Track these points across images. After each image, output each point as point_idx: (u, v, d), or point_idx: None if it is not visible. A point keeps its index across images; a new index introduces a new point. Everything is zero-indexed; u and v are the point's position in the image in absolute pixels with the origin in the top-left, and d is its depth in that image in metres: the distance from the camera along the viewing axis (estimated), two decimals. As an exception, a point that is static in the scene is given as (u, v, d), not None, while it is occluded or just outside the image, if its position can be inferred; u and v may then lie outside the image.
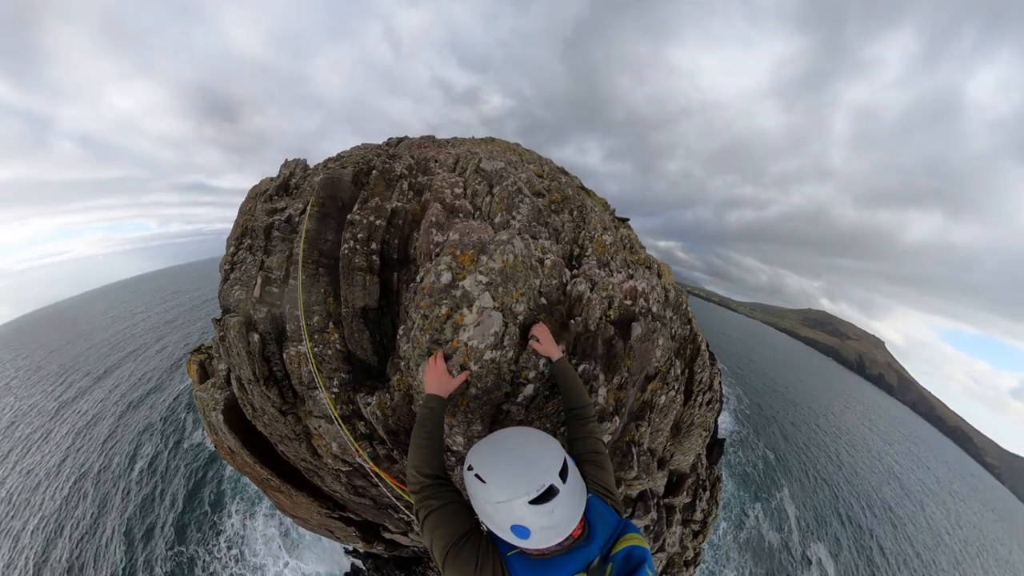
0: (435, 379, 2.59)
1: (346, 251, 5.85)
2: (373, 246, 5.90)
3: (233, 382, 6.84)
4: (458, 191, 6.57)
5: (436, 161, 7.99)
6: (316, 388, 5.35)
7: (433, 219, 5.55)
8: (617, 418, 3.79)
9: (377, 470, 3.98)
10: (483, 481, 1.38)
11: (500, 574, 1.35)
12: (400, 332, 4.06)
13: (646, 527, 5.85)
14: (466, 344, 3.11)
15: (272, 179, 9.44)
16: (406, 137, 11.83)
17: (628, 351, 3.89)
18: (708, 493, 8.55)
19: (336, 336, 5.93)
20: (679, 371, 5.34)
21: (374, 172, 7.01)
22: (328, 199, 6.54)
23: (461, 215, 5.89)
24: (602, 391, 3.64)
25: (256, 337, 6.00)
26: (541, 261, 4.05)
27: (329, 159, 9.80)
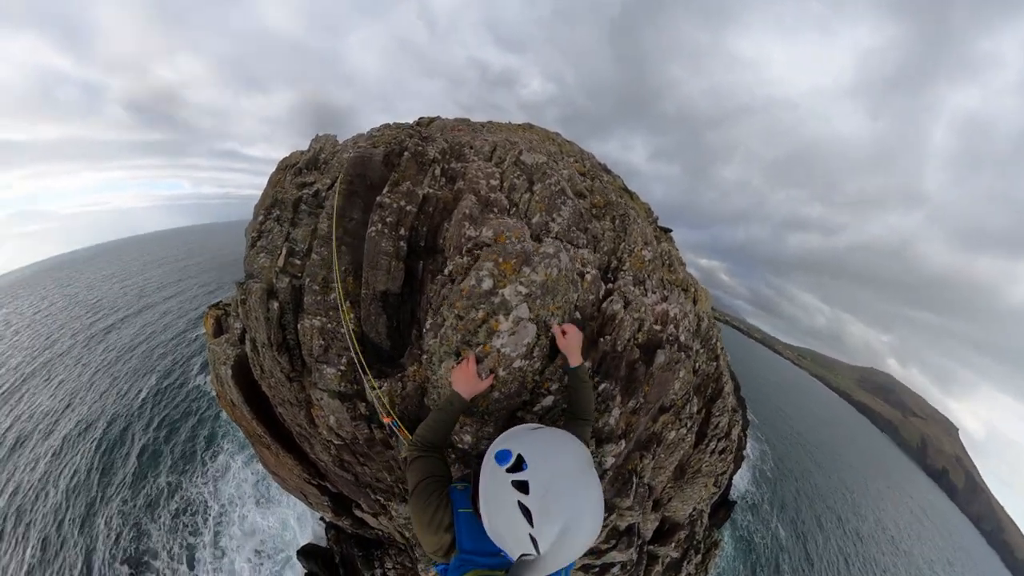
0: (464, 380, 2.60)
1: (373, 233, 5.68)
2: (402, 231, 5.72)
3: (247, 342, 6.95)
4: (494, 183, 6.28)
5: (471, 147, 7.67)
6: (325, 363, 5.38)
7: (467, 211, 5.31)
8: (624, 442, 3.71)
9: (400, 425, 3.90)
10: (527, 516, 1.20)
11: (448, 526, 1.48)
12: (427, 326, 3.92)
13: (623, 564, 5.58)
14: (498, 351, 3.12)
15: (302, 152, 9.34)
16: (438, 117, 11.45)
17: (648, 378, 3.81)
18: (700, 557, 7.77)
19: (351, 316, 5.88)
20: (695, 409, 5.12)
21: (406, 154, 6.77)
22: (357, 178, 6.36)
23: (496, 210, 5.61)
24: (615, 412, 3.59)
25: (276, 305, 6.13)
26: (582, 275, 3.95)
27: (359, 136, 9.57)
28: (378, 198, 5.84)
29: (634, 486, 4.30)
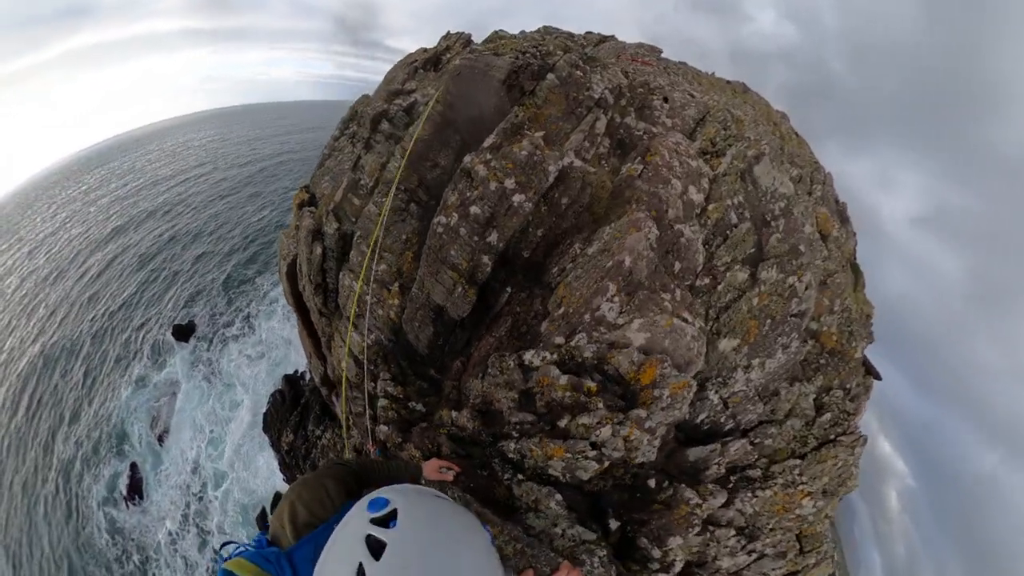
0: (433, 467, 2.31)
1: (440, 229, 3.20)
2: (493, 239, 3.07)
3: (298, 258, 6.74)
4: (694, 197, 3.09)
5: (664, 98, 4.21)
6: (353, 329, 4.84)
7: (624, 262, 2.45)
8: None
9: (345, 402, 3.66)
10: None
11: (310, 523, 1.21)
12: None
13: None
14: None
15: (426, 50, 7.83)
16: (612, 38, 7.63)
17: None
18: None
19: (395, 303, 4.62)
20: None
21: (550, 78, 3.81)
22: (459, 99, 3.75)
23: (677, 270, 2.66)
24: None
25: (319, 250, 5.57)
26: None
27: (497, 33, 6.67)
28: (467, 159, 3.19)
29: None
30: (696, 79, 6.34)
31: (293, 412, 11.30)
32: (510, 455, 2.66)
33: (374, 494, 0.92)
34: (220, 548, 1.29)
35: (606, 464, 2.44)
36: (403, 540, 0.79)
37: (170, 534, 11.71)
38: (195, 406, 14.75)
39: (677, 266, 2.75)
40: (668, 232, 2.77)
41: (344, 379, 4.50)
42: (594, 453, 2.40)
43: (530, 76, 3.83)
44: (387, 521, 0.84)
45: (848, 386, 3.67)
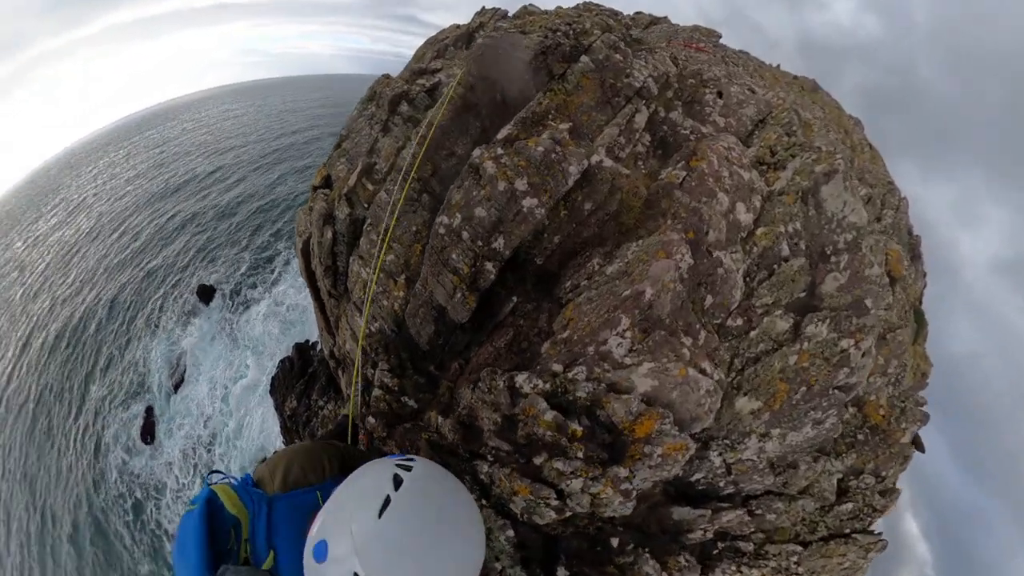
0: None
1: (442, 230, 2.90)
2: (498, 245, 2.74)
3: (311, 239, 6.78)
4: (742, 212, 2.59)
5: (718, 93, 3.65)
6: (359, 314, 5.01)
7: (647, 294, 2.03)
8: None
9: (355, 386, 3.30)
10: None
11: (309, 484, 1.33)
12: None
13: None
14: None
15: (459, 27, 7.49)
16: (665, 19, 6.83)
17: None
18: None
19: (400, 295, 4.50)
20: None
21: (583, 60, 3.31)
22: (481, 82, 3.38)
23: (709, 305, 2.26)
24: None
25: (330, 234, 5.49)
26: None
27: (526, 8, 6.14)
28: (475, 153, 2.86)
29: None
30: (758, 72, 5.54)
31: (300, 380, 11.66)
32: (481, 476, 2.42)
33: (316, 535, 0.99)
34: (208, 474, 1.35)
35: (567, 515, 2.16)
36: (422, 476, 1.01)
37: (177, 481, 12.82)
38: (211, 363, 15.84)
39: (708, 301, 2.28)
40: (704, 260, 2.28)
41: (357, 368, 4.54)
42: (557, 503, 2.12)
43: (560, 57, 3.34)
44: (408, 468, 1.03)
45: (884, 473, 3.05)
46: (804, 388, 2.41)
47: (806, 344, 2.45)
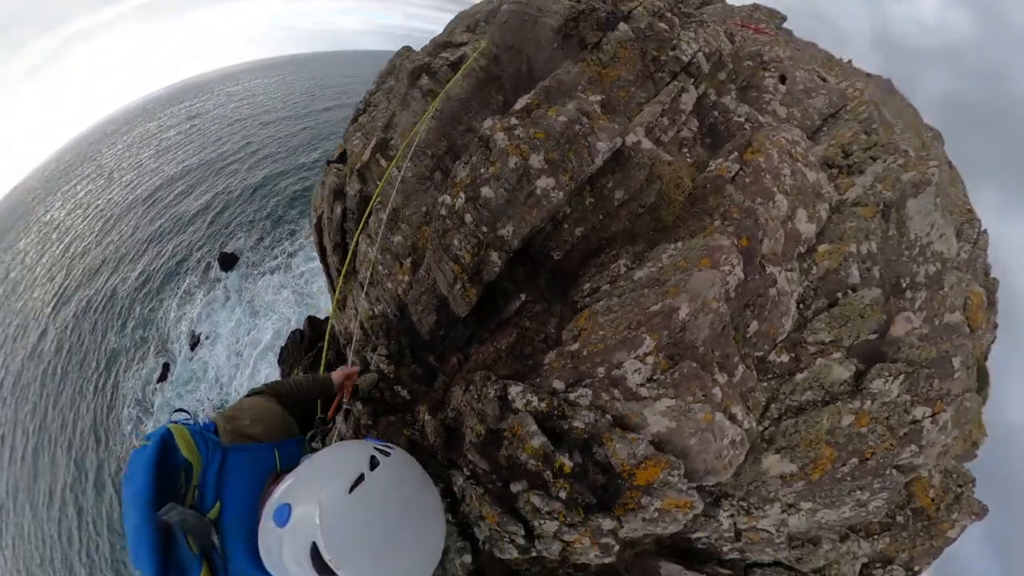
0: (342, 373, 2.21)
1: (444, 211, 2.54)
2: (505, 232, 2.38)
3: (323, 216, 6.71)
4: (803, 221, 2.08)
5: (781, 77, 3.12)
6: (364, 296, 4.81)
7: (682, 312, 1.61)
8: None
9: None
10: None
11: (280, 429, 1.38)
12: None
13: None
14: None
15: (492, 0, 7.23)
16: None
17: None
18: None
19: (404, 279, 4.30)
20: None
21: (622, 28, 2.86)
22: (506, 52, 3.03)
23: (749, 339, 1.76)
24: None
25: (340, 210, 5.52)
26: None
27: None
28: (486, 124, 2.47)
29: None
30: (827, 64, 4.85)
31: (308, 353, 11.97)
32: (455, 488, 2.16)
33: (277, 501, 0.99)
34: (174, 412, 1.31)
35: (532, 555, 1.87)
36: (398, 464, 1.07)
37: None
38: (227, 328, 16.60)
39: (753, 327, 1.84)
40: (756, 276, 1.82)
41: (353, 350, 4.55)
42: (523, 542, 1.81)
43: (595, 25, 2.89)
44: (386, 454, 1.06)
45: (916, 567, 2.48)
46: (855, 460, 1.87)
47: (868, 403, 1.88)
